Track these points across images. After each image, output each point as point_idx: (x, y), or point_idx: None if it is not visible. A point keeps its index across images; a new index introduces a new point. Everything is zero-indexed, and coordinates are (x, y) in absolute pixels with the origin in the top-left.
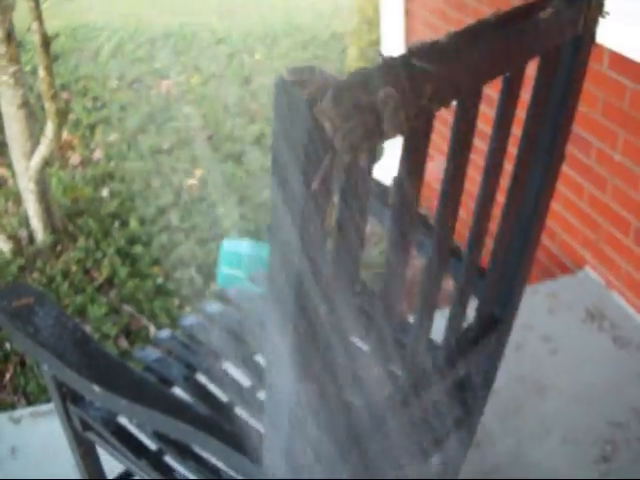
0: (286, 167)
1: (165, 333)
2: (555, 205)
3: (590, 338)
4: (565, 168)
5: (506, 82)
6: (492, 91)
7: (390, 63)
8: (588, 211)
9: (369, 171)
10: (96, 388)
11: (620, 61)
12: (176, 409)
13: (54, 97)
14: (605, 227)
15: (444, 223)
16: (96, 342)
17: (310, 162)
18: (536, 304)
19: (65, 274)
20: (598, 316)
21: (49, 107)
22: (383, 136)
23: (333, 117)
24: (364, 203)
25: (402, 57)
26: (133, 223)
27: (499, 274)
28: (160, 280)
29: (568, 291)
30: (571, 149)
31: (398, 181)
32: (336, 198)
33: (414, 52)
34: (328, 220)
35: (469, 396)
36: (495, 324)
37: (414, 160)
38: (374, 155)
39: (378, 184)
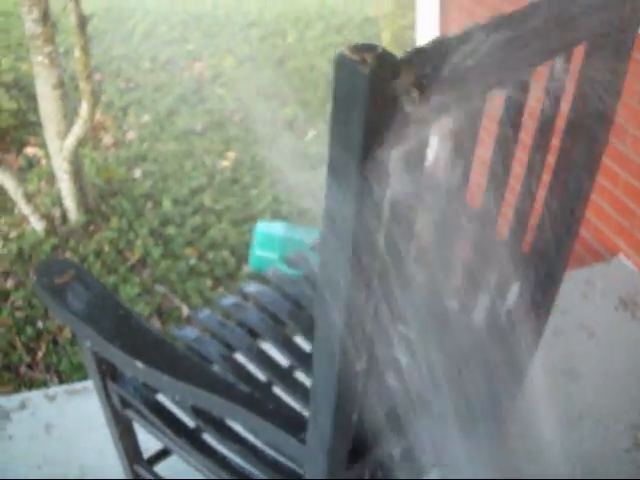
0: (343, 147)
1: (204, 313)
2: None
3: (623, 325)
4: None
5: (558, 64)
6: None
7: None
8: (623, 199)
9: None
10: (139, 364)
11: None
12: (218, 386)
13: (89, 78)
14: (639, 215)
15: (490, 207)
16: (138, 318)
17: (372, 138)
18: (570, 291)
19: (98, 254)
20: (631, 303)
21: (84, 87)
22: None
23: (410, 90)
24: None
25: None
26: (166, 204)
27: (540, 259)
28: (193, 261)
29: (602, 278)
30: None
31: (449, 160)
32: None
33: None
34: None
35: (506, 379)
36: (535, 309)
37: (467, 141)
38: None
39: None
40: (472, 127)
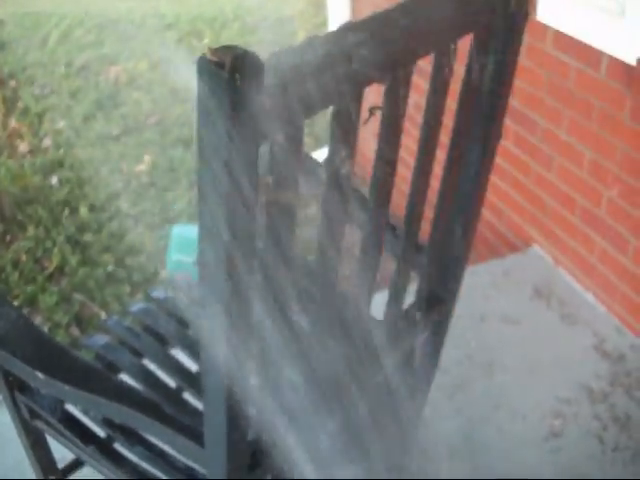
0: (210, 149)
1: (113, 320)
2: (502, 184)
3: (538, 315)
4: (511, 147)
5: (437, 57)
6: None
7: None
8: (535, 190)
9: (299, 147)
10: (40, 375)
11: (564, 40)
12: (121, 395)
13: (1, 85)
14: (552, 205)
15: (378, 197)
16: (41, 330)
17: (233, 144)
18: (484, 282)
19: (15, 264)
20: (546, 293)
21: None
22: (311, 110)
23: (262, 98)
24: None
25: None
26: (83, 210)
27: (439, 252)
28: (111, 267)
29: (516, 269)
30: (517, 128)
31: (329, 156)
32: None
33: (347, 27)
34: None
35: (414, 375)
36: (436, 303)
37: (345, 133)
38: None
39: (316, 163)
40: (351, 119)
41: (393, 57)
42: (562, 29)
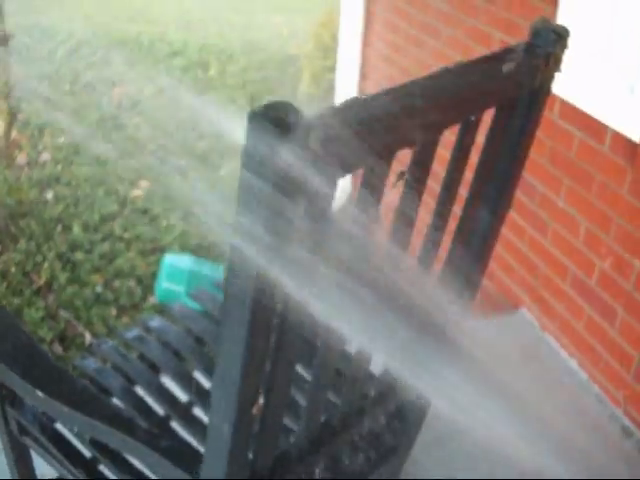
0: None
1: (107, 344)
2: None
3: (524, 379)
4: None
5: (462, 131)
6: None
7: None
8: (528, 254)
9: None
10: (39, 393)
11: (570, 111)
12: (115, 419)
13: (7, 95)
14: (543, 270)
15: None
16: (40, 347)
17: (277, 199)
18: (472, 342)
19: (4, 275)
20: (532, 356)
21: (0, 105)
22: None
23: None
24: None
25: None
26: (76, 229)
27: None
28: (99, 288)
29: (504, 331)
30: (516, 192)
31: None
32: None
33: (383, 92)
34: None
35: (401, 426)
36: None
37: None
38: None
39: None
40: (382, 179)
41: (423, 125)
42: (569, 100)
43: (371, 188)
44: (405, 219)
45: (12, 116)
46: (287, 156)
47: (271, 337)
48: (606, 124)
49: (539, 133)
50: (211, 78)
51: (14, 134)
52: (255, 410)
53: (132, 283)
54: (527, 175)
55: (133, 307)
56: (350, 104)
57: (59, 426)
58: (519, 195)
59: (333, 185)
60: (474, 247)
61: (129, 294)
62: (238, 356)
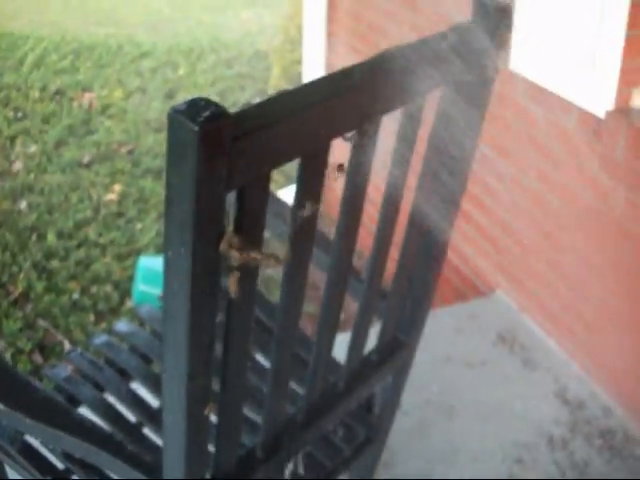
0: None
1: (76, 352)
2: (468, 229)
3: (500, 360)
4: (478, 193)
5: (405, 115)
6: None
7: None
8: (500, 236)
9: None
10: (0, 406)
11: (534, 90)
12: (80, 429)
13: None
14: (517, 252)
15: (343, 241)
16: (2, 358)
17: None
18: (447, 326)
19: None
20: (509, 339)
21: None
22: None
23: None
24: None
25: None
26: (50, 237)
27: (401, 297)
28: (76, 295)
29: (480, 314)
30: (484, 174)
31: (296, 204)
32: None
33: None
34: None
35: (374, 418)
36: (398, 348)
37: (311, 186)
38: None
39: (283, 204)
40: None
41: (361, 111)
42: (534, 79)
43: (307, 181)
44: (350, 211)
45: None
46: (203, 152)
47: (216, 333)
48: (571, 101)
49: (505, 114)
50: (181, 77)
51: None
52: (207, 410)
53: (109, 288)
54: (495, 157)
55: (111, 312)
56: (277, 97)
57: (29, 438)
58: (488, 178)
59: (257, 178)
60: (431, 232)
61: (106, 299)
62: (182, 351)
